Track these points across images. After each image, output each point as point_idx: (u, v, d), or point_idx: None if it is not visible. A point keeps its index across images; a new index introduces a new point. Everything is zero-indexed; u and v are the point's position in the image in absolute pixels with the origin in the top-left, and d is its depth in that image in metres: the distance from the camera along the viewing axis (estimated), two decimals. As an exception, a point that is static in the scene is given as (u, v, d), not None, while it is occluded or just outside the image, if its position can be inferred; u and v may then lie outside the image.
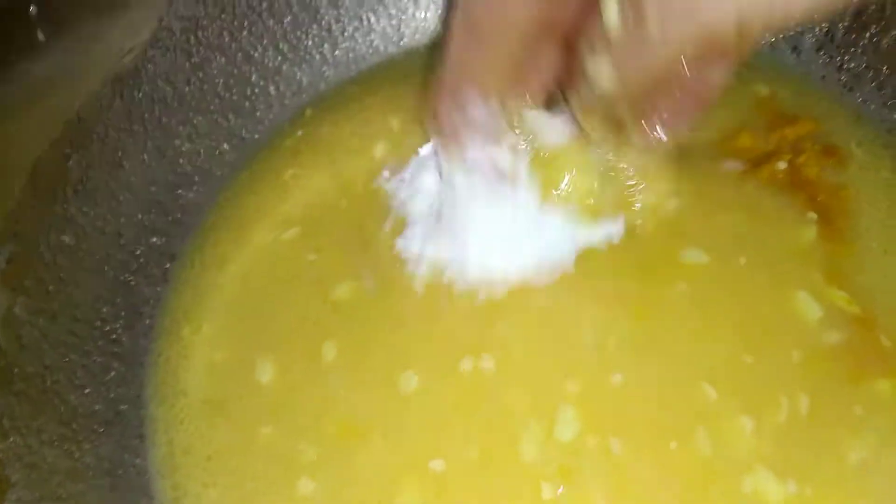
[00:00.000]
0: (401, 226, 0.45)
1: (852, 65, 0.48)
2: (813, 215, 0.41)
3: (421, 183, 0.45)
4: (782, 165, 0.42)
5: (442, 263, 0.43)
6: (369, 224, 0.45)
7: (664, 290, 0.40)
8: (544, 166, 0.40)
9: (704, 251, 0.41)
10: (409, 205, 0.46)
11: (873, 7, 0.46)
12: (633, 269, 0.41)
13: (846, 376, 0.37)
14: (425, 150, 0.46)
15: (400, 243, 0.44)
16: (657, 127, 0.35)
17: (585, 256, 0.41)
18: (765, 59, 0.50)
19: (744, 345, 0.38)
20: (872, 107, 0.46)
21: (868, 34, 0.47)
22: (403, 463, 0.38)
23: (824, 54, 0.49)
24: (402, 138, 0.49)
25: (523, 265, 0.42)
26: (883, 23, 0.46)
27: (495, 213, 0.41)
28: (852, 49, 0.48)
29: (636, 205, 0.41)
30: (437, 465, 0.37)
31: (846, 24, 0.48)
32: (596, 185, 0.40)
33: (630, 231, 0.41)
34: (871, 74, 0.46)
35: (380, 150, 0.48)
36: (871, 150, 0.44)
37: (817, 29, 0.49)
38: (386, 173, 0.47)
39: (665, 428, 0.37)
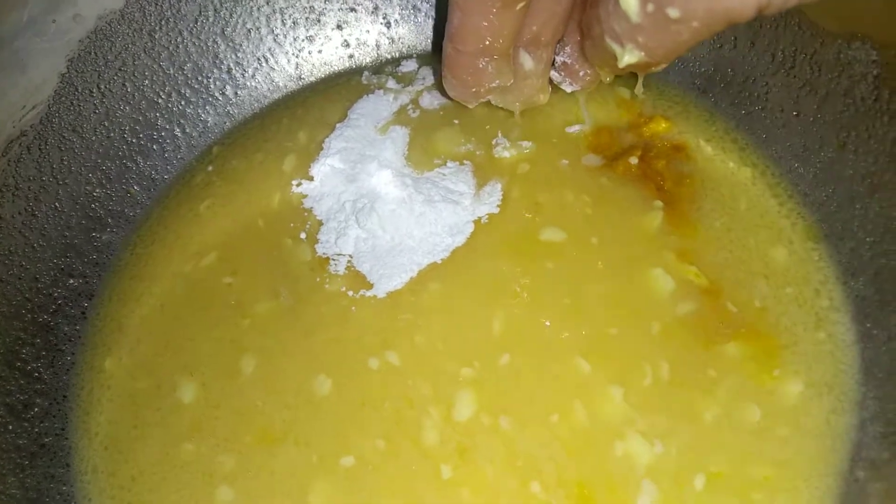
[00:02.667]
0: (315, 230, 0.49)
1: (703, 69, 0.53)
2: (659, 203, 0.46)
3: (328, 184, 0.50)
4: (634, 160, 0.47)
5: (355, 259, 0.47)
6: (285, 238, 0.49)
7: (534, 269, 0.44)
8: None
9: (560, 229, 0.45)
10: (320, 207, 0.50)
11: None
12: (503, 248, 0.45)
13: (700, 342, 0.41)
14: (331, 152, 0.50)
15: (317, 249, 0.48)
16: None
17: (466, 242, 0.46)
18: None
19: (609, 319, 0.42)
20: (723, 105, 0.52)
21: (713, 42, 0.53)
22: (316, 463, 0.41)
23: (678, 61, 0.54)
24: (309, 147, 0.53)
25: (421, 252, 0.46)
26: (726, 33, 0.52)
27: (403, 203, 0.47)
28: (702, 55, 0.53)
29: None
30: (346, 461, 0.41)
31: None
32: None
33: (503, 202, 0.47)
34: (718, 77, 0.52)
35: (289, 163, 0.52)
36: (720, 145, 0.50)
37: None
38: (296, 183, 0.51)
39: (547, 402, 0.41)
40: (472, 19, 0.41)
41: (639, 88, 0.49)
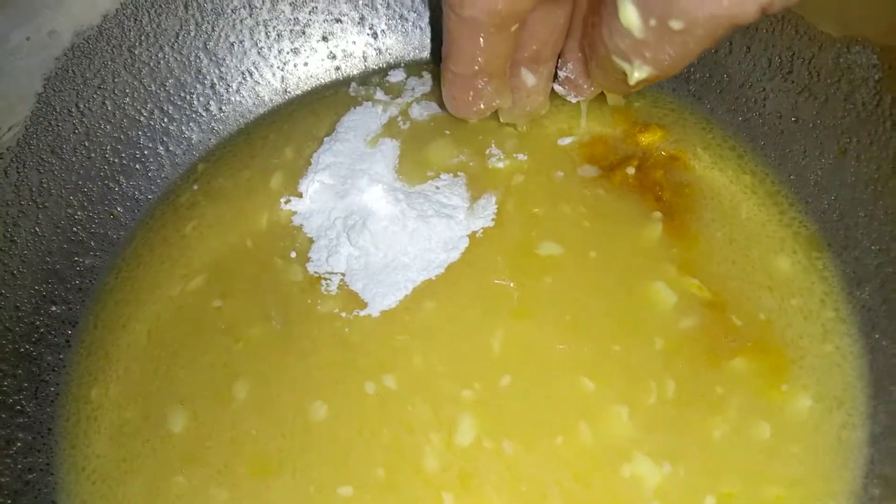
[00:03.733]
0: (306, 248, 0.47)
1: (698, 75, 0.52)
2: (658, 214, 0.45)
3: (318, 200, 0.49)
4: (632, 171, 0.46)
5: (347, 278, 0.46)
6: (275, 258, 0.47)
7: (533, 285, 0.43)
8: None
9: (557, 243, 0.44)
10: (310, 224, 0.48)
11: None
12: (500, 263, 0.44)
13: (705, 358, 0.40)
14: (320, 167, 0.49)
15: (309, 268, 0.46)
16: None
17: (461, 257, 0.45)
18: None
19: (611, 335, 0.41)
20: (719, 112, 0.51)
21: (708, 48, 0.52)
22: (313, 494, 0.40)
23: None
24: (297, 163, 0.51)
25: (415, 269, 0.45)
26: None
27: (395, 219, 0.46)
28: (697, 61, 0.52)
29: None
30: (345, 491, 0.39)
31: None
32: None
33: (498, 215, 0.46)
34: (714, 83, 0.51)
35: (276, 180, 0.51)
36: (718, 153, 0.49)
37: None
38: (285, 200, 0.49)
39: (551, 424, 0.40)
40: (467, 43, 0.40)
41: (618, 100, 0.49)
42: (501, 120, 0.49)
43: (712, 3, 0.29)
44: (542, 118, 0.50)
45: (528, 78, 0.45)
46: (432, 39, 0.57)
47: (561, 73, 0.46)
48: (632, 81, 0.36)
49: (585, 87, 0.46)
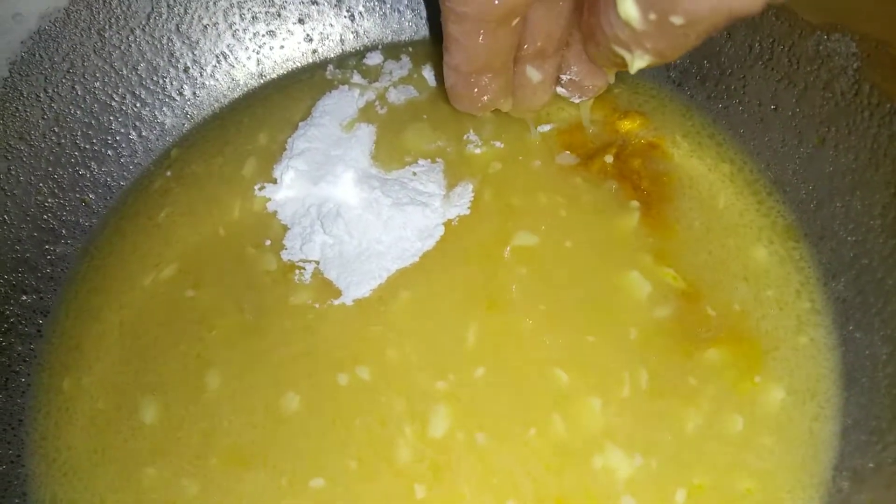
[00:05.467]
0: (280, 236, 0.47)
1: (679, 62, 0.51)
2: (635, 203, 0.44)
3: (293, 187, 0.48)
4: (610, 159, 0.46)
5: (322, 265, 0.45)
6: (248, 247, 0.47)
7: (508, 276, 0.43)
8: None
9: (533, 233, 0.44)
10: (284, 211, 0.48)
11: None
12: (475, 252, 0.44)
13: (679, 348, 0.40)
14: (294, 153, 0.48)
15: (283, 256, 0.46)
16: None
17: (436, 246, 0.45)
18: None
19: (586, 325, 0.41)
20: (699, 99, 0.50)
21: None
22: (285, 486, 0.39)
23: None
24: (271, 148, 0.50)
25: (390, 257, 0.45)
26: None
27: (370, 207, 0.45)
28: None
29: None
30: (317, 483, 0.39)
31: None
32: None
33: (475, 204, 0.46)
34: (694, 69, 0.50)
35: (249, 167, 0.50)
36: (697, 140, 0.48)
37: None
38: (259, 187, 0.49)
39: (525, 416, 0.39)
40: (466, 40, 0.39)
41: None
42: (504, 111, 0.47)
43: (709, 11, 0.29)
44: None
45: (534, 74, 0.44)
46: (427, 19, 0.56)
47: (564, 77, 0.45)
48: (632, 70, 0.35)
49: (588, 85, 0.45)
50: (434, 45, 0.55)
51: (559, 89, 0.46)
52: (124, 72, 0.52)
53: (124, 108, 0.52)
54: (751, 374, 0.40)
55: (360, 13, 0.56)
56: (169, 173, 0.52)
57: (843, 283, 0.42)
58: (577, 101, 0.47)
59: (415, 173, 0.48)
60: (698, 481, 0.37)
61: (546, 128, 0.49)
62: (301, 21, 0.56)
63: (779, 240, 0.44)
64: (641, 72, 0.51)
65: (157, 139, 0.54)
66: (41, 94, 0.48)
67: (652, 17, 0.31)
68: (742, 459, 0.38)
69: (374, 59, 0.55)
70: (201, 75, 0.55)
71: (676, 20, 0.30)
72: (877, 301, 0.40)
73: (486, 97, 0.43)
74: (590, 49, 0.41)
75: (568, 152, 0.47)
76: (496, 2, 0.37)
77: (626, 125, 0.48)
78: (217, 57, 0.55)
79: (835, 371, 0.40)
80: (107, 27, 0.50)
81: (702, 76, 0.50)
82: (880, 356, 0.39)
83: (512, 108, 0.46)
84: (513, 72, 0.43)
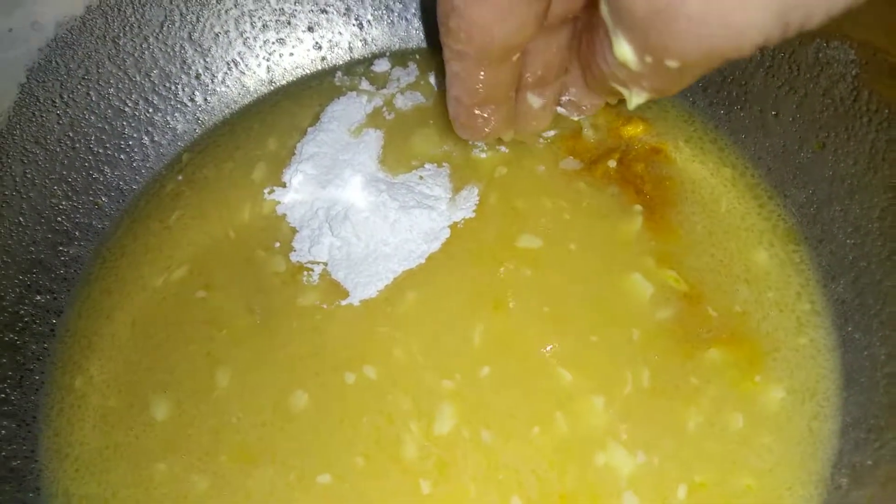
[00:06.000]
0: (289, 238, 0.48)
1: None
2: (638, 207, 0.45)
3: (302, 191, 0.49)
4: (613, 164, 0.46)
5: (330, 267, 0.46)
6: (258, 249, 0.48)
7: (513, 277, 0.44)
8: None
9: (537, 236, 0.45)
10: (293, 214, 0.49)
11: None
12: (480, 255, 0.45)
13: (681, 348, 0.41)
14: (303, 157, 0.49)
15: (291, 257, 0.47)
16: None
17: (442, 248, 0.45)
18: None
19: (589, 326, 0.42)
20: (701, 106, 0.51)
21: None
22: (293, 482, 0.40)
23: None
24: (280, 153, 0.51)
25: (396, 259, 0.45)
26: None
27: (377, 210, 0.46)
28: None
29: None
30: (324, 479, 0.40)
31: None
32: None
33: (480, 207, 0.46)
34: (696, 76, 0.51)
35: (259, 172, 0.51)
36: (699, 146, 0.49)
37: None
38: (268, 191, 0.50)
39: (529, 414, 0.40)
40: (467, 76, 0.40)
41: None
42: (507, 140, 0.48)
43: (707, 43, 0.29)
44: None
45: (535, 101, 0.44)
46: (428, 24, 0.57)
47: (563, 98, 0.46)
48: (631, 106, 0.36)
49: (587, 107, 0.46)
50: (441, 54, 0.56)
51: (559, 109, 0.47)
52: (137, 78, 0.53)
53: (137, 114, 0.53)
54: (751, 374, 0.40)
55: (369, 21, 0.57)
56: (180, 177, 0.53)
57: (842, 285, 0.42)
58: (575, 118, 0.48)
59: (421, 177, 0.49)
60: (699, 478, 0.38)
61: (550, 134, 0.50)
62: (310, 29, 0.57)
63: (779, 243, 0.45)
64: None
65: (169, 144, 0.55)
66: (57, 100, 0.49)
67: (648, 59, 0.31)
68: (742, 457, 0.38)
69: (381, 66, 0.56)
70: (212, 82, 0.56)
71: (672, 64, 0.30)
72: (875, 303, 0.40)
73: (489, 128, 0.43)
74: (588, 80, 0.42)
75: (571, 157, 0.48)
76: (495, 42, 0.37)
77: (629, 131, 0.49)
78: (228, 64, 0.56)
79: (834, 371, 0.41)
80: (121, 35, 0.51)
81: (704, 83, 0.51)
82: (879, 356, 0.39)
83: (514, 133, 0.47)
84: (514, 101, 0.43)
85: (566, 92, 0.45)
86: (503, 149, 0.49)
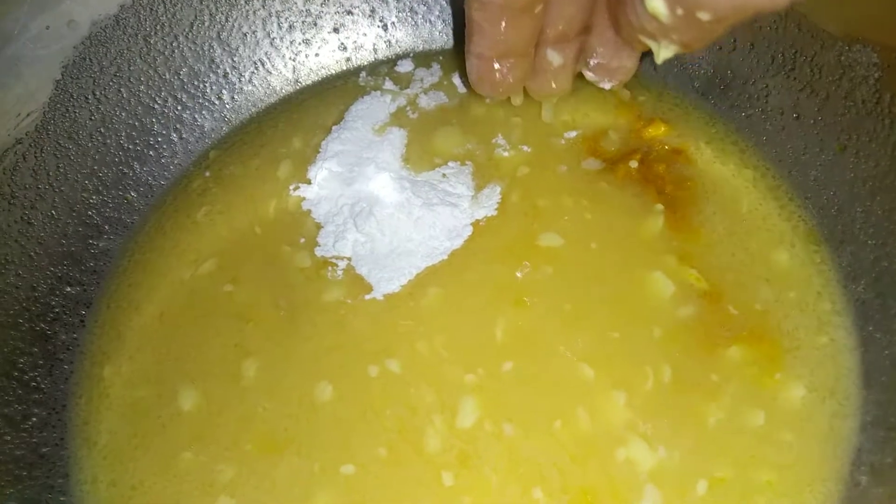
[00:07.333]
0: (314, 234, 0.48)
1: (702, 72, 0.53)
2: (660, 206, 0.46)
3: (326, 187, 0.50)
4: (635, 164, 0.47)
5: (354, 262, 0.47)
6: (283, 245, 0.49)
7: (534, 275, 0.44)
8: None
9: (559, 234, 0.46)
10: (318, 210, 0.49)
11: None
12: (502, 252, 0.45)
13: (701, 346, 0.41)
14: (328, 155, 0.50)
15: (316, 252, 0.48)
16: None
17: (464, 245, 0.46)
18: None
19: (610, 323, 0.42)
20: (722, 108, 0.52)
21: (712, 44, 0.52)
22: (317, 472, 0.41)
23: (678, 65, 0.54)
24: (305, 151, 0.52)
25: (420, 255, 0.46)
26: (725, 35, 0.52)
27: (401, 207, 0.47)
28: (701, 57, 0.53)
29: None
30: (347, 469, 0.41)
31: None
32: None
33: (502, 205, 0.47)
34: (718, 79, 0.52)
35: (285, 168, 0.52)
36: (720, 147, 0.49)
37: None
38: (293, 187, 0.51)
39: (550, 409, 0.41)
40: (489, 27, 0.40)
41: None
42: (517, 104, 0.49)
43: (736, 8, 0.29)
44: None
45: (555, 58, 0.44)
46: (453, 29, 0.58)
47: (591, 62, 0.45)
48: (658, 60, 0.36)
49: (616, 66, 0.45)
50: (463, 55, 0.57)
51: (588, 74, 0.46)
52: (167, 76, 0.54)
53: (166, 111, 0.54)
54: (771, 372, 0.41)
55: (393, 23, 0.58)
56: (208, 174, 0.54)
57: (863, 286, 0.43)
58: (606, 86, 0.47)
59: (444, 175, 0.49)
60: (720, 474, 0.38)
61: (572, 134, 0.50)
62: (336, 30, 0.58)
63: (800, 243, 0.45)
64: (665, 80, 0.54)
65: (197, 141, 0.56)
66: (89, 97, 0.50)
67: (679, 12, 0.31)
68: (763, 453, 0.39)
69: (405, 66, 0.57)
70: (240, 81, 0.57)
71: (703, 16, 0.31)
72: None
73: (507, 82, 0.44)
74: (619, 31, 0.42)
75: (593, 158, 0.49)
76: None
77: (651, 132, 0.49)
78: (255, 63, 0.57)
79: (854, 370, 0.41)
80: (152, 33, 0.52)
81: (725, 85, 0.51)
82: (899, 356, 0.39)
83: (532, 92, 0.47)
84: (534, 57, 0.44)
85: (594, 54, 0.45)
86: (526, 148, 0.50)
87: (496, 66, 0.43)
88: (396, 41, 0.59)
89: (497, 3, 0.38)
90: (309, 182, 0.50)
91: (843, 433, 0.39)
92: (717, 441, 0.39)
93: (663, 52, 0.36)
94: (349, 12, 0.58)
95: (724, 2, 0.30)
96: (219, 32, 0.55)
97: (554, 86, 0.46)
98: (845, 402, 0.40)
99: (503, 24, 0.40)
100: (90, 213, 0.51)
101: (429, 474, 0.40)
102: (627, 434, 0.39)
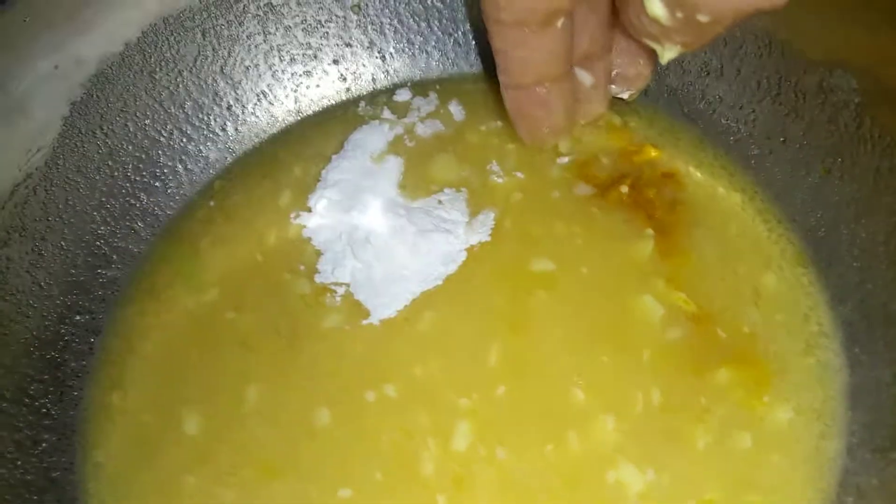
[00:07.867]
0: (314, 261, 0.50)
1: (691, 98, 0.53)
2: (650, 231, 0.47)
3: (326, 215, 0.51)
4: (625, 189, 0.48)
5: (352, 288, 0.48)
6: (284, 272, 0.50)
7: (528, 300, 0.45)
8: None
9: (551, 260, 0.47)
10: (318, 237, 0.51)
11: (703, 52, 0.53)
12: (495, 277, 0.47)
13: (690, 369, 0.42)
14: (328, 184, 0.52)
15: (316, 279, 0.49)
16: None
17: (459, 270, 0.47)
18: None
19: (600, 347, 0.43)
20: (711, 133, 0.52)
21: (700, 70, 0.53)
22: (315, 497, 0.42)
23: (668, 91, 0.54)
24: (306, 180, 0.54)
25: (415, 281, 0.47)
26: (712, 62, 0.53)
27: (397, 234, 0.48)
28: (690, 83, 0.54)
29: None
30: (344, 493, 0.42)
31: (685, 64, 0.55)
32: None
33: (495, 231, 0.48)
34: (706, 105, 0.53)
35: (286, 197, 0.53)
36: (710, 171, 0.50)
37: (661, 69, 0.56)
38: (294, 215, 0.52)
39: (542, 432, 0.41)
40: (515, 50, 0.40)
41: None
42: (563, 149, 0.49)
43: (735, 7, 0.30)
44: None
45: (585, 77, 0.44)
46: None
47: (613, 73, 0.46)
48: (663, 61, 0.37)
49: (634, 73, 0.45)
50: (460, 83, 0.58)
51: (612, 88, 0.47)
52: (172, 110, 0.56)
53: (172, 143, 0.56)
54: (759, 394, 0.41)
55: (391, 54, 0.60)
56: (212, 203, 0.56)
57: (849, 308, 0.43)
58: (625, 95, 0.48)
59: (440, 201, 0.51)
60: (708, 496, 0.39)
61: (564, 160, 0.51)
62: (335, 62, 0.60)
63: (788, 266, 0.46)
64: (656, 106, 0.55)
65: (202, 172, 0.57)
66: (97, 131, 0.52)
67: (679, 15, 0.32)
68: (751, 475, 0.39)
69: (403, 95, 0.58)
70: (243, 112, 0.59)
71: (703, 18, 0.31)
72: (882, 325, 0.41)
73: (551, 116, 0.43)
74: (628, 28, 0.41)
75: (584, 183, 0.50)
76: (536, 4, 0.37)
77: (642, 157, 0.50)
78: (258, 95, 0.59)
79: (841, 392, 0.41)
80: (157, 69, 0.54)
81: (713, 111, 0.52)
82: (885, 378, 0.40)
83: (576, 125, 0.47)
84: (571, 80, 0.43)
85: (614, 65, 0.45)
86: (520, 174, 0.51)
87: (535, 96, 0.42)
88: (394, 71, 0.60)
89: (511, 21, 0.38)
90: (309, 210, 0.52)
91: (829, 455, 0.40)
92: (705, 463, 0.40)
93: (667, 54, 0.37)
94: (348, 45, 0.60)
95: (723, 3, 0.31)
96: (222, 66, 0.57)
97: (592, 108, 0.46)
98: (832, 424, 0.40)
99: (525, 43, 0.39)
100: (98, 243, 0.53)
101: (424, 497, 0.41)
102: (617, 457, 0.40)
